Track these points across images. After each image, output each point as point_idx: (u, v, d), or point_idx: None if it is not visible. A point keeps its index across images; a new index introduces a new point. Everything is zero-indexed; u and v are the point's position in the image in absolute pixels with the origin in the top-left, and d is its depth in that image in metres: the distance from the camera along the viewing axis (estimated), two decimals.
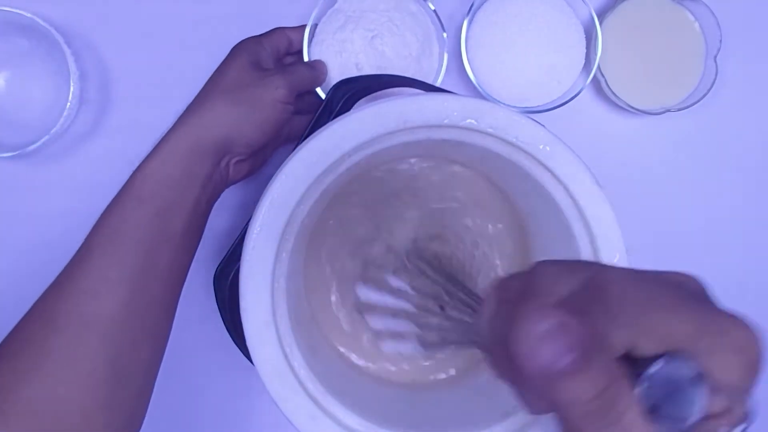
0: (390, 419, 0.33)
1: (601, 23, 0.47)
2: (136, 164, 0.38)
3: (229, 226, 0.49)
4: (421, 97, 0.33)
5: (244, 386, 0.48)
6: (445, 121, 0.33)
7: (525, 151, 0.33)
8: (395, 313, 0.37)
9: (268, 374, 0.31)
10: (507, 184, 0.39)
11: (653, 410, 0.18)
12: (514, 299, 0.22)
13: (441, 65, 0.47)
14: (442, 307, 0.34)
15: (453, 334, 0.33)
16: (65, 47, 0.44)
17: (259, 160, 0.44)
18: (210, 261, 0.49)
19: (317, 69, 0.45)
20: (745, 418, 0.19)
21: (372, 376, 0.40)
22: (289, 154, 0.33)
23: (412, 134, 0.34)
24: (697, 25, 0.49)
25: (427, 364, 0.41)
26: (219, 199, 0.43)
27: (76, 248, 0.38)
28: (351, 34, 0.46)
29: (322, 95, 0.46)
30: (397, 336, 0.36)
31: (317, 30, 0.47)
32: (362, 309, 0.40)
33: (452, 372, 0.41)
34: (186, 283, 0.50)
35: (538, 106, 0.48)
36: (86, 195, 0.48)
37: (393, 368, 0.41)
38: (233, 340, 0.38)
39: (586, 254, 0.33)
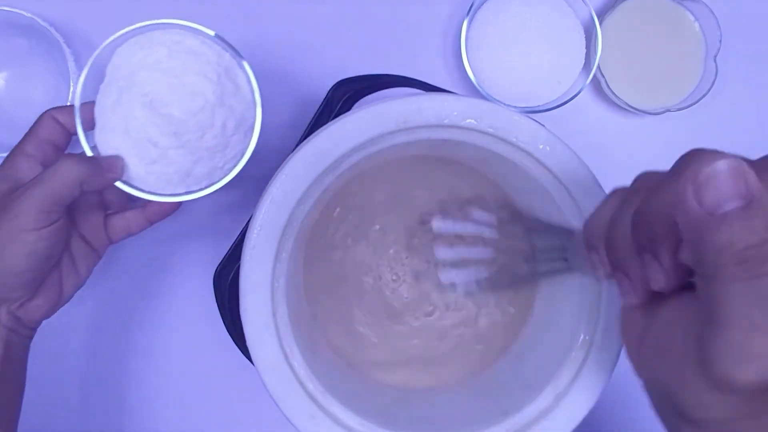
0: (390, 419, 0.33)
1: (601, 23, 0.47)
2: None
3: (229, 226, 0.49)
4: (421, 97, 0.33)
5: (244, 386, 0.48)
6: (445, 121, 0.33)
7: (525, 151, 0.33)
8: (470, 242, 0.36)
9: (268, 374, 0.31)
10: (507, 183, 0.39)
11: None
12: (651, 186, 0.21)
13: (253, 96, 0.38)
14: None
15: (530, 263, 0.33)
16: (65, 47, 0.44)
17: (67, 284, 0.38)
18: (210, 261, 0.49)
19: (91, 164, 0.34)
20: None
21: (373, 376, 0.40)
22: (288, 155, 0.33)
23: (412, 134, 0.34)
24: (697, 25, 0.49)
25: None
26: (219, 199, 0.43)
27: None
28: (128, 106, 0.35)
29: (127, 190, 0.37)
30: (459, 264, 0.36)
31: (96, 111, 0.37)
32: (433, 239, 0.40)
33: (456, 369, 0.41)
34: (186, 283, 0.50)
35: (538, 106, 0.48)
36: None
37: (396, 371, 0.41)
38: (233, 340, 0.38)
39: None
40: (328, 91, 0.39)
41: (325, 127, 0.33)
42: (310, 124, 0.39)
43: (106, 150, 0.36)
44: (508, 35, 0.48)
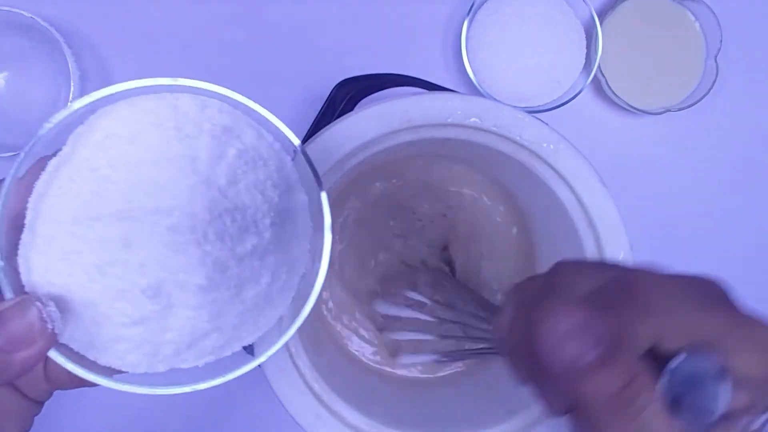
0: (395, 418, 0.33)
1: (601, 23, 0.47)
2: None
3: None
4: (424, 97, 0.33)
5: (249, 386, 0.48)
6: (449, 120, 0.33)
7: (529, 150, 0.33)
8: (414, 326, 0.37)
9: (274, 374, 0.31)
10: (511, 182, 0.39)
11: (676, 404, 0.18)
12: (534, 300, 0.21)
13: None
14: (457, 322, 0.34)
15: (471, 342, 0.33)
16: (65, 47, 0.44)
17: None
18: None
19: None
20: None
21: (378, 374, 0.40)
22: None
23: (416, 133, 0.34)
24: (697, 24, 0.49)
25: (443, 374, 0.42)
26: None
27: None
28: (121, 220, 0.23)
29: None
30: (416, 348, 0.37)
31: (33, 201, 0.23)
32: (381, 326, 0.40)
33: (459, 368, 0.41)
34: None
35: (539, 105, 0.49)
36: None
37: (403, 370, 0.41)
38: None
39: (590, 252, 0.33)
40: (331, 91, 0.39)
41: (328, 126, 0.33)
42: (313, 123, 0.39)
43: (40, 285, 0.22)
44: (508, 35, 0.48)
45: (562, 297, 0.20)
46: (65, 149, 0.23)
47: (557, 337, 0.19)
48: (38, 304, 0.21)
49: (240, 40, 0.48)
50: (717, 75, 0.47)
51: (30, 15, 0.44)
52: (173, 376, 0.24)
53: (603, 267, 0.22)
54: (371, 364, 0.41)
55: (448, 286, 0.37)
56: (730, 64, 0.48)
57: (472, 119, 0.33)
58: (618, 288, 0.20)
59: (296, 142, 0.25)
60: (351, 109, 0.40)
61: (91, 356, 0.23)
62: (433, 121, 0.33)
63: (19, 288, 0.22)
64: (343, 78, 0.41)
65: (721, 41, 0.47)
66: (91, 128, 0.23)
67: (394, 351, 0.40)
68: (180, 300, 0.22)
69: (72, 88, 0.44)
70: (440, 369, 0.41)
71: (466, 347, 0.36)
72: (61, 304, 0.22)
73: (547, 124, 0.34)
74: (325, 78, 0.48)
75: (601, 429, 0.19)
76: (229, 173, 0.23)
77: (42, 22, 0.44)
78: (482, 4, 0.48)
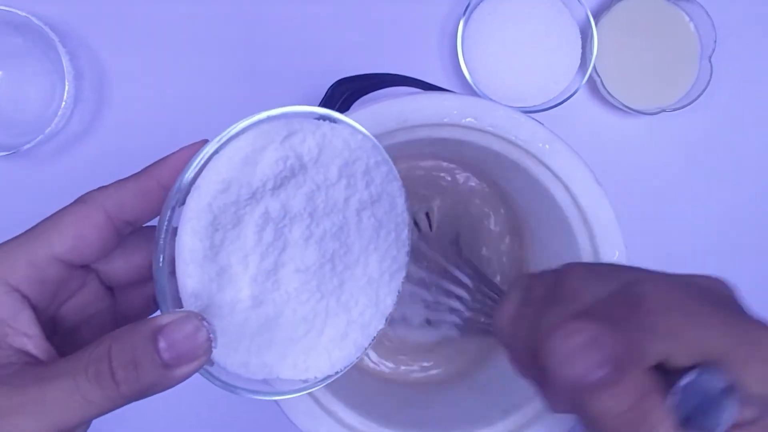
0: (391, 418, 0.33)
1: (596, 23, 0.47)
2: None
3: None
4: (420, 96, 0.33)
5: None
6: (445, 120, 0.33)
7: (525, 149, 0.33)
8: (413, 300, 0.36)
9: None
10: (506, 182, 0.39)
11: (684, 421, 0.18)
12: (539, 301, 0.21)
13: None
14: (459, 298, 0.34)
15: (471, 323, 0.33)
16: (60, 46, 0.44)
17: None
18: None
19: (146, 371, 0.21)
20: None
21: (373, 374, 0.40)
22: None
23: (412, 133, 0.34)
24: (692, 25, 0.49)
25: (427, 364, 0.41)
26: None
27: None
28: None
29: None
30: (409, 321, 0.36)
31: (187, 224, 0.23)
32: None
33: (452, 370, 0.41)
34: None
35: (534, 106, 0.49)
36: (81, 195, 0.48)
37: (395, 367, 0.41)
38: None
39: (585, 252, 0.34)
40: (327, 91, 0.39)
41: None
42: None
43: (188, 300, 0.22)
44: (504, 35, 0.48)
45: (570, 308, 0.20)
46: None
47: (566, 353, 0.18)
48: (205, 322, 0.21)
49: (236, 40, 0.48)
50: (711, 75, 0.47)
51: (25, 14, 0.44)
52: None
53: (613, 272, 0.21)
54: (368, 364, 0.41)
55: (451, 262, 0.36)
56: (724, 65, 0.49)
57: (468, 119, 0.33)
58: (628, 301, 0.20)
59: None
60: (347, 109, 0.40)
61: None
62: (429, 121, 0.33)
63: (177, 303, 0.22)
64: (339, 78, 0.41)
65: (715, 42, 0.48)
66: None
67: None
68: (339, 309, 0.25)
69: (66, 87, 0.44)
70: (428, 348, 0.41)
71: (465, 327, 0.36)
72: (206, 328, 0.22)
73: (542, 124, 0.34)
74: (321, 78, 0.48)
75: None
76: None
77: (36, 21, 0.44)
78: (478, 4, 0.48)
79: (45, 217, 0.24)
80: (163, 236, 0.22)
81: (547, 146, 0.33)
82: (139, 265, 0.26)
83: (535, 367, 0.20)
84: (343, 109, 0.39)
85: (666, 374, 0.19)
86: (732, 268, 0.51)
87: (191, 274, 0.22)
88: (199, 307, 0.22)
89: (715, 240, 0.52)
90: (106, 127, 0.49)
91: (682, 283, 0.20)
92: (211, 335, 0.21)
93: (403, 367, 0.41)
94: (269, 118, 0.23)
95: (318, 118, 0.24)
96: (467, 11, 0.47)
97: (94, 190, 0.24)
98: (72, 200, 0.46)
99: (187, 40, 0.49)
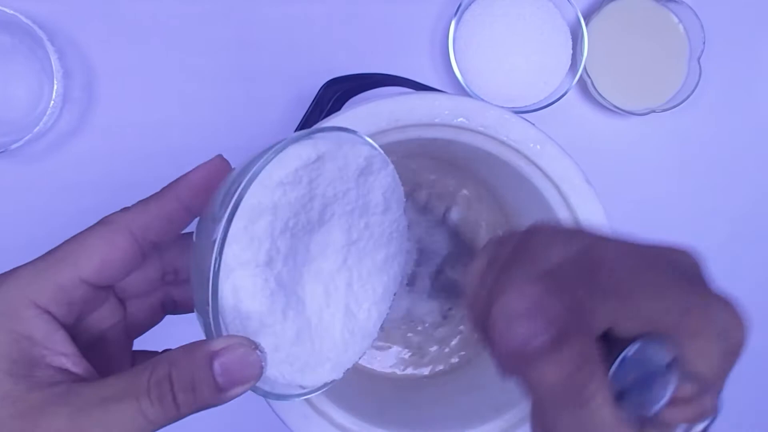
0: (383, 418, 0.33)
1: (586, 24, 0.48)
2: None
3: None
4: (412, 96, 0.33)
5: None
6: (436, 120, 0.33)
7: (516, 150, 0.34)
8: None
9: None
10: (497, 182, 0.39)
11: (622, 394, 0.18)
12: (503, 261, 0.21)
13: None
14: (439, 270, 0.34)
15: (445, 286, 0.33)
16: (48, 45, 0.44)
17: None
18: None
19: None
20: (712, 410, 0.18)
21: (365, 374, 0.40)
22: None
23: (403, 133, 0.34)
24: (681, 27, 0.49)
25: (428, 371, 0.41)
26: None
27: None
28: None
29: None
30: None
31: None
32: None
33: (442, 367, 0.41)
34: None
35: (525, 106, 0.49)
36: (70, 194, 0.48)
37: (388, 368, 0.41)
38: None
39: None
40: (318, 91, 0.39)
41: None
42: (300, 123, 0.39)
43: (235, 324, 0.22)
44: (495, 36, 0.48)
45: (529, 269, 0.19)
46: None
47: (508, 317, 0.18)
48: (258, 350, 0.22)
49: (227, 39, 0.47)
50: (700, 76, 0.48)
51: (12, 12, 0.43)
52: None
53: (578, 235, 0.21)
54: (359, 363, 0.41)
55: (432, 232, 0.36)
56: (713, 66, 0.49)
57: (460, 119, 0.33)
58: (583, 263, 0.19)
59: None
60: (338, 109, 0.40)
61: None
62: (421, 121, 0.33)
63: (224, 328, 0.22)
64: (330, 78, 0.41)
65: (704, 43, 0.48)
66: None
67: None
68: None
69: (55, 86, 0.44)
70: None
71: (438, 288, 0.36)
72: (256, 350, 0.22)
73: (533, 124, 0.34)
74: (313, 77, 0.48)
75: (547, 414, 0.18)
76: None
77: (25, 20, 0.43)
78: (469, 4, 0.48)
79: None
80: (215, 255, 0.21)
81: (538, 146, 0.33)
82: (151, 277, 0.27)
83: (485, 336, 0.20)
84: (334, 110, 0.39)
85: (610, 346, 0.18)
86: (721, 267, 0.51)
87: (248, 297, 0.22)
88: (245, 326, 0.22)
89: (705, 239, 0.52)
90: (95, 126, 0.48)
91: (645, 251, 0.20)
92: (262, 362, 0.22)
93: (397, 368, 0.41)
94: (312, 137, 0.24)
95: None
96: (459, 11, 0.47)
97: (118, 213, 0.25)
98: (61, 201, 0.46)
99: (178, 39, 0.48)
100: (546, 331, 0.17)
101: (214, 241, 0.21)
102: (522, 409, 0.33)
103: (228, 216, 0.21)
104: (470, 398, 0.37)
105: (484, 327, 0.20)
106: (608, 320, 0.18)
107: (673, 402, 0.18)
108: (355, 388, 0.38)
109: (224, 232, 0.21)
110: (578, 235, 0.21)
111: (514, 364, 0.18)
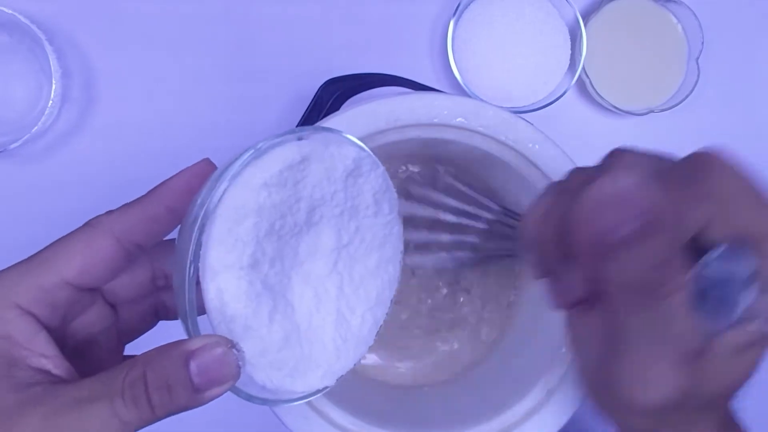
0: (383, 418, 0.33)
1: (585, 25, 0.48)
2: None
3: None
4: (411, 96, 0.33)
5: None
6: (435, 120, 0.33)
7: (515, 150, 0.34)
8: (431, 226, 0.35)
9: None
10: (497, 182, 0.39)
11: (699, 297, 0.17)
12: (579, 185, 0.19)
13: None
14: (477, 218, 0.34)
15: (488, 243, 0.32)
16: (47, 44, 0.44)
17: None
18: None
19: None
20: None
21: (364, 375, 0.40)
22: None
23: (403, 133, 0.34)
24: (679, 27, 0.50)
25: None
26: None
27: None
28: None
29: None
30: (423, 248, 0.35)
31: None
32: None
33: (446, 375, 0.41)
34: None
35: (524, 106, 0.49)
36: (68, 194, 0.48)
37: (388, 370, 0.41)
38: None
39: None
40: (317, 91, 0.39)
41: None
42: (299, 123, 0.39)
43: (221, 327, 0.22)
44: (494, 36, 0.48)
45: (620, 163, 0.18)
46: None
47: (598, 201, 0.17)
48: (235, 348, 0.21)
49: (225, 39, 0.47)
50: (699, 76, 0.48)
51: (11, 12, 0.43)
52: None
53: (666, 157, 0.20)
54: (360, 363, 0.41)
55: (469, 193, 0.36)
56: (711, 66, 0.49)
57: (459, 119, 0.33)
58: (686, 166, 0.18)
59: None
60: (337, 109, 0.40)
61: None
62: (420, 121, 0.33)
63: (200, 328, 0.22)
64: (329, 77, 0.41)
65: (702, 43, 0.48)
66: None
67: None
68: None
69: (54, 86, 0.44)
70: (443, 280, 0.40)
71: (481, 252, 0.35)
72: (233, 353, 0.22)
73: (532, 124, 0.34)
74: (311, 77, 0.48)
75: (619, 313, 0.17)
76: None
77: (23, 19, 0.43)
78: (468, 4, 0.48)
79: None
80: (191, 257, 0.21)
81: (536, 146, 0.34)
82: (141, 282, 0.27)
83: (557, 250, 0.19)
84: (333, 109, 0.39)
85: (696, 253, 0.17)
86: None
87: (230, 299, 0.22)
88: (228, 328, 0.22)
89: None
90: (94, 126, 0.48)
91: (745, 173, 0.19)
92: (239, 362, 0.21)
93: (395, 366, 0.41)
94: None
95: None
96: (457, 11, 0.47)
97: (102, 215, 0.25)
98: (59, 201, 0.46)
99: (177, 39, 0.48)
100: (635, 221, 0.16)
101: (193, 242, 0.21)
102: (520, 409, 0.33)
103: (203, 216, 0.21)
104: (470, 398, 0.37)
105: (550, 246, 0.20)
106: (700, 222, 0.17)
107: (745, 318, 0.17)
108: (355, 388, 0.38)
109: (198, 233, 0.21)
110: (665, 154, 0.20)
111: (592, 254, 0.17)
